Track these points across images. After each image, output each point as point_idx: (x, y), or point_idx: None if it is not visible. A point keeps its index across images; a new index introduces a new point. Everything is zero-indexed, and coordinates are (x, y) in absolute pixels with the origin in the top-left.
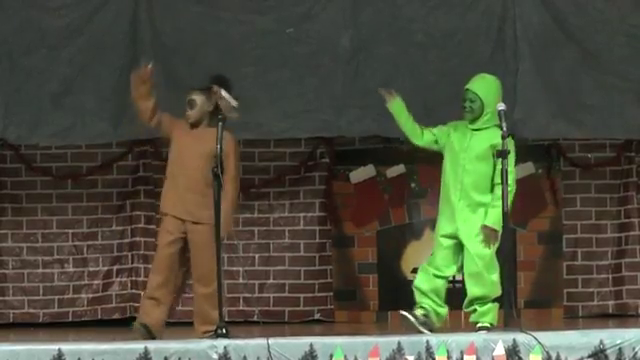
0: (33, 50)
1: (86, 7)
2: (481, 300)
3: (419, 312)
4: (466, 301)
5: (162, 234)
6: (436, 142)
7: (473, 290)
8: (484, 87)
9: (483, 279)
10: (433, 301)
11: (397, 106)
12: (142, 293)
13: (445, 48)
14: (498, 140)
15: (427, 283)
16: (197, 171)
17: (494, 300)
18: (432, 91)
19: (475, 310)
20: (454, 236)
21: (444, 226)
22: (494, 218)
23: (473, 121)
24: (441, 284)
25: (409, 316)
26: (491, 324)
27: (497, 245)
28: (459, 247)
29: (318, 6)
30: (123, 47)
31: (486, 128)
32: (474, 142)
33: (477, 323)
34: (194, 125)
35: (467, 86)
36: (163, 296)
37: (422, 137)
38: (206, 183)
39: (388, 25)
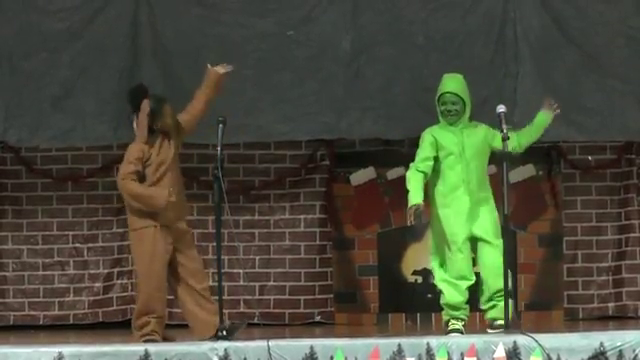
0: (33, 53)
1: (86, 10)
2: (499, 293)
3: (460, 325)
4: (485, 297)
5: (156, 250)
6: (435, 159)
7: (495, 283)
8: (461, 87)
9: (502, 271)
10: (464, 309)
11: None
12: (139, 309)
13: (445, 51)
14: (489, 133)
15: (459, 296)
16: (175, 173)
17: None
18: (432, 93)
19: (494, 306)
20: (469, 237)
21: (459, 231)
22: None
23: (455, 122)
24: (467, 291)
25: (460, 334)
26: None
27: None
28: (474, 246)
29: (319, 9)
30: (124, 50)
31: (468, 125)
32: (468, 141)
33: (496, 320)
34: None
35: (445, 90)
36: (165, 311)
37: (429, 174)
38: (180, 181)
39: (388, 27)
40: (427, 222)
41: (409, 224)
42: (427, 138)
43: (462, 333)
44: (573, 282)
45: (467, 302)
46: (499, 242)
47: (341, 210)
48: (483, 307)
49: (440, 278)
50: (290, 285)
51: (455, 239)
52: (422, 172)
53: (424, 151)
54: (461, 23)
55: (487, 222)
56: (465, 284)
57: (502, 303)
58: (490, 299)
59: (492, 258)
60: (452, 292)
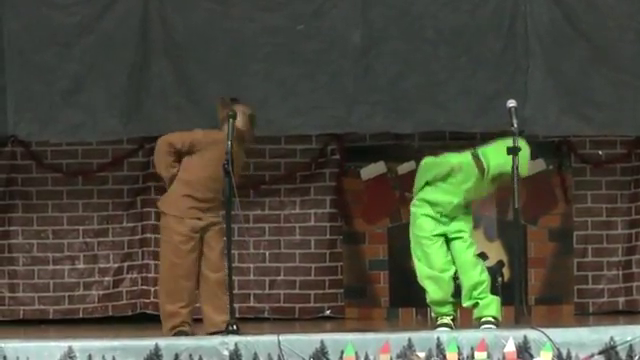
0: (44, 47)
1: (97, 4)
2: (477, 288)
3: (449, 320)
4: (464, 294)
5: (182, 240)
6: None
7: (467, 279)
8: None
9: (474, 265)
10: (451, 304)
11: None
12: (162, 299)
13: (456, 45)
14: None
15: (440, 292)
16: (218, 172)
17: (494, 293)
18: (443, 88)
19: (477, 304)
20: (442, 234)
21: (434, 227)
22: None
23: None
24: (451, 284)
25: (449, 329)
26: (495, 318)
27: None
28: (447, 243)
29: (329, 3)
30: (134, 44)
31: None
32: None
33: (481, 318)
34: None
35: None
36: (194, 299)
37: None
38: (220, 180)
39: (398, 21)
40: None
41: None
42: None
43: (451, 328)
44: (583, 276)
45: (454, 296)
46: (471, 241)
47: (351, 204)
48: (465, 304)
49: (424, 275)
50: (300, 279)
51: (426, 232)
52: None
53: None
54: (471, 17)
55: (460, 224)
56: (442, 275)
57: (484, 301)
58: (470, 297)
59: (462, 256)
60: (431, 288)
